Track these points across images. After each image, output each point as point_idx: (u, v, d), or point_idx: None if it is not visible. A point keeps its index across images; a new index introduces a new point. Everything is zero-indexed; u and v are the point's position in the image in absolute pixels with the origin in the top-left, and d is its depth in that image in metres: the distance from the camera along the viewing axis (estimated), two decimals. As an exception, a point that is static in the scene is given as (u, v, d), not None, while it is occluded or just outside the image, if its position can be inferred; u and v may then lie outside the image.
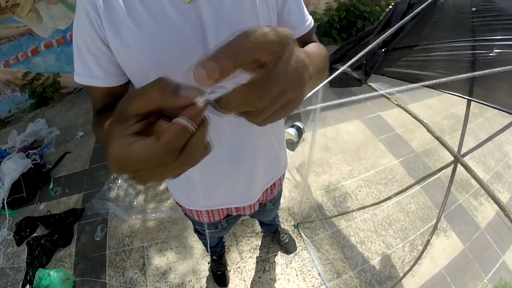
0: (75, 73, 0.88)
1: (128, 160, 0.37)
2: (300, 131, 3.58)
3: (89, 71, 0.85)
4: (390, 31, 1.44)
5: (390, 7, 1.54)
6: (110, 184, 3.40)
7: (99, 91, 0.90)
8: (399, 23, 1.43)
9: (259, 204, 1.43)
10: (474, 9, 1.44)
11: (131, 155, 0.37)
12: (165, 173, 0.40)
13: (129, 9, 0.75)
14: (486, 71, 1.05)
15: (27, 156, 3.78)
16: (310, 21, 1.01)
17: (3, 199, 3.36)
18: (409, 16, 1.42)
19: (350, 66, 1.53)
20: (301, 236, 2.74)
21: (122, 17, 0.76)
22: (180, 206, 1.39)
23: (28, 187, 3.47)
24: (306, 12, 1.00)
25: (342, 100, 0.98)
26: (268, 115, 0.41)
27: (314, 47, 0.82)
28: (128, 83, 0.93)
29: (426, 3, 1.44)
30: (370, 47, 1.44)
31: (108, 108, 0.92)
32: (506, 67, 0.98)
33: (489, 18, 1.40)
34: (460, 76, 1.09)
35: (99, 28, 0.77)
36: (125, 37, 0.77)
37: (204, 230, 1.58)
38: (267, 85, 0.38)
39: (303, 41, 0.99)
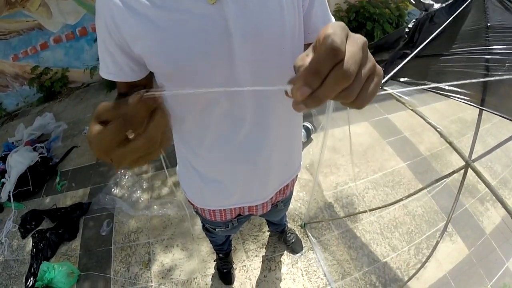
0: (100, 68, 0.91)
1: (102, 136, 0.45)
2: (308, 132, 3.58)
3: (106, 66, 0.88)
4: (421, 47, 1.47)
5: (414, 21, 1.57)
6: (117, 179, 3.40)
7: (124, 85, 0.93)
8: (427, 41, 1.45)
9: (271, 205, 1.44)
10: (488, 24, 1.46)
11: (105, 131, 0.44)
12: (129, 149, 0.46)
13: (150, 10, 0.74)
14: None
15: (34, 149, 3.81)
16: (333, 22, 1.00)
17: (9, 192, 3.38)
18: (435, 33, 1.45)
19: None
20: (307, 236, 2.74)
21: (143, 19, 0.75)
22: (192, 204, 1.39)
23: (35, 180, 3.49)
24: (330, 14, 1.00)
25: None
26: (359, 90, 0.42)
27: None
28: (151, 74, 0.94)
29: (450, 19, 1.47)
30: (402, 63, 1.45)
31: None
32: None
33: (502, 33, 1.42)
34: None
35: (114, 33, 0.78)
36: (147, 39, 0.77)
37: (215, 229, 1.58)
38: (350, 59, 0.39)
39: None
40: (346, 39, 0.40)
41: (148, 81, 0.95)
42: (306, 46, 0.97)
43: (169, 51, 0.77)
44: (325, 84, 0.39)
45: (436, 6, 1.62)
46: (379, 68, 0.45)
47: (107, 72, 0.89)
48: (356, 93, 0.41)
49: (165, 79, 0.88)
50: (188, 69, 0.80)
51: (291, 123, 1.14)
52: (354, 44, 0.40)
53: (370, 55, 0.44)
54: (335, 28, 0.39)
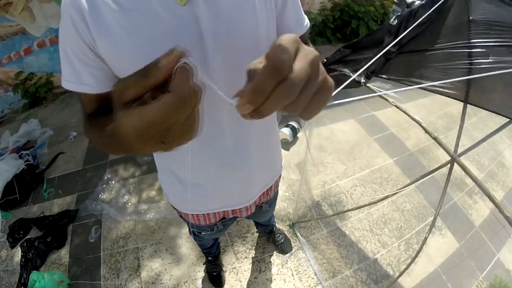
0: (63, 78, 0.85)
1: (152, 120, 0.37)
2: (295, 131, 3.58)
3: (78, 77, 0.82)
4: (395, 41, 1.47)
5: (396, 18, 1.58)
6: (104, 185, 3.37)
7: (89, 97, 0.87)
8: (405, 32, 1.45)
9: (256, 206, 1.42)
10: (471, 18, 1.47)
11: (153, 112, 0.37)
12: (185, 126, 0.41)
13: (119, 14, 0.72)
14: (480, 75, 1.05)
15: (20, 157, 3.75)
16: (306, 22, 1.02)
17: (-4, 201, 3.32)
18: (410, 28, 1.46)
19: (349, 68, 1.55)
20: (296, 236, 2.73)
21: (112, 23, 0.72)
22: (176, 209, 1.37)
23: (21, 188, 3.43)
24: (303, 13, 1.00)
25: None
26: (306, 104, 0.43)
27: None
28: None
29: (429, 12, 1.47)
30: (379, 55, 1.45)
31: (100, 112, 0.90)
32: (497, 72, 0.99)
33: (485, 27, 1.43)
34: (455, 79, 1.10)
35: (85, 35, 0.74)
36: (117, 45, 0.74)
37: (200, 232, 1.57)
38: (294, 77, 0.39)
39: None
40: (297, 54, 0.41)
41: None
42: None
43: (141, 55, 0.74)
44: (268, 101, 0.40)
45: (418, 2, 1.63)
46: (330, 82, 0.46)
47: (80, 83, 0.83)
48: (302, 107, 0.42)
49: None
50: None
51: (269, 124, 1.14)
52: (303, 60, 0.40)
53: (321, 68, 0.44)
54: (283, 44, 0.40)
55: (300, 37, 1.00)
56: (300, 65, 0.40)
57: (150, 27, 0.73)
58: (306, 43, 1.02)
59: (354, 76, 1.49)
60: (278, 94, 0.39)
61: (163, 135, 0.41)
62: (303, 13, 1.01)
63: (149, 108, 0.37)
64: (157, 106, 0.37)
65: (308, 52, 0.42)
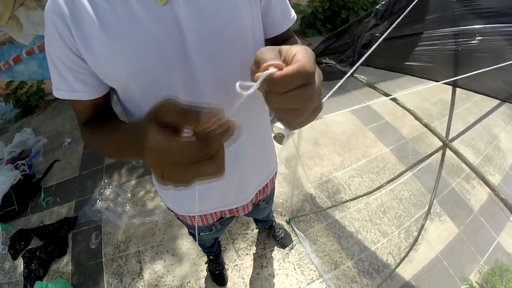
0: (54, 88, 0.85)
1: (173, 151, 0.43)
2: (289, 125, 3.57)
3: (69, 85, 0.82)
4: (386, 32, 1.46)
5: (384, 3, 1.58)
6: (102, 190, 3.36)
7: (83, 105, 0.87)
8: (396, 22, 1.45)
9: (252, 205, 1.42)
10: (455, -1, 1.46)
11: (177, 146, 0.43)
12: (193, 172, 0.45)
13: (99, 19, 0.71)
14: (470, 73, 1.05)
15: (16, 167, 3.74)
16: (293, 15, 1.02)
17: (-5, 213, 3.31)
18: (399, 10, 1.45)
19: (334, 59, 1.54)
20: (294, 231, 2.74)
21: (93, 29, 0.72)
22: (172, 211, 1.37)
23: (19, 199, 3.41)
24: (289, 6, 1.00)
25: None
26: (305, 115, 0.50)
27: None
28: (110, 92, 0.90)
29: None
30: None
31: (96, 119, 0.90)
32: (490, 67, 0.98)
33: (469, 7, 1.42)
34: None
35: (70, 41, 0.74)
36: (99, 51, 0.73)
37: (199, 233, 1.57)
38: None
39: (283, 35, 1.00)
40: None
41: (107, 98, 0.92)
42: (266, 40, 0.99)
43: (124, 59, 0.74)
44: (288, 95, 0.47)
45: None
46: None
47: (71, 91, 0.83)
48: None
49: (122, 90, 0.85)
50: (146, 75, 0.78)
51: (261, 122, 1.13)
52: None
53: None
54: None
55: (286, 30, 1.00)
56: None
57: (131, 31, 0.73)
58: (291, 36, 1.02)
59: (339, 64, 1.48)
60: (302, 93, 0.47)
61: (182, 170, 0.45)
62: (289, 5, 1.00)
63: (176, 141, 0.43)
64: (182, 144, 0.43)
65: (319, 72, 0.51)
